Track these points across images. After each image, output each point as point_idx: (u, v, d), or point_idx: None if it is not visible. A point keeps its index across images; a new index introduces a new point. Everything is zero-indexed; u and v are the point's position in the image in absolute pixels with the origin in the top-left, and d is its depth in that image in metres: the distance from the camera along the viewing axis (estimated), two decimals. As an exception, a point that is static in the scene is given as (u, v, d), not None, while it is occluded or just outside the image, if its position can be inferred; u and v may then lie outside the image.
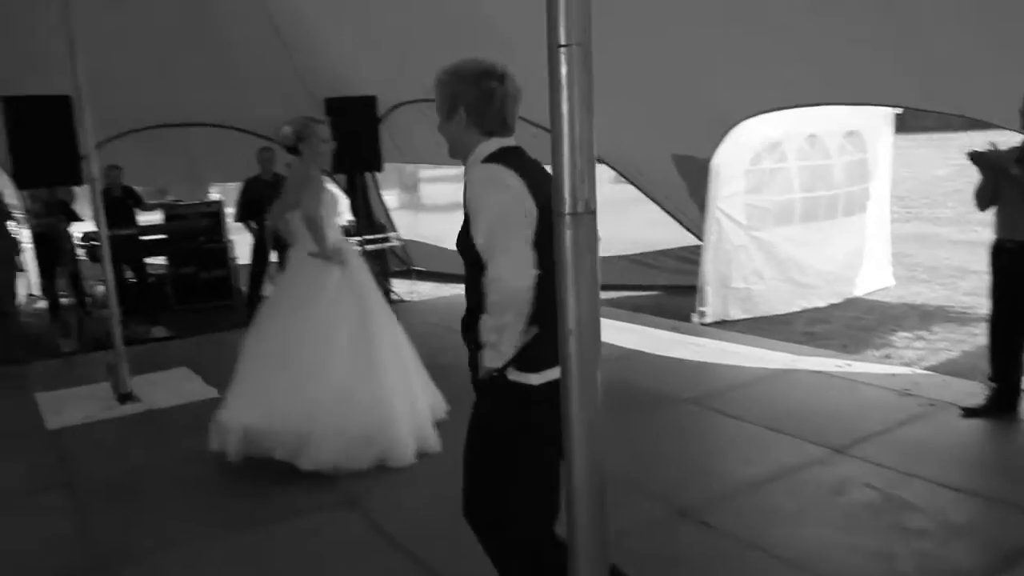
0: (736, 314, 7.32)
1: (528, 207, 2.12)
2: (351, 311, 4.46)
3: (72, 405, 5.76)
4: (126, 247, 8.64)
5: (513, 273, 2.06)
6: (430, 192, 13.76)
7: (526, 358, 2.16)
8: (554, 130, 1.43)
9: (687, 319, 7.17)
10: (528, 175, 2.16)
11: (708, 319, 7.19)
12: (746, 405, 5.01)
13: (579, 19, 1.40)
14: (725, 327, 7.03)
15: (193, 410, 5.50)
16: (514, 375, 2.19)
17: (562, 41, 1.40)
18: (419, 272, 10.94)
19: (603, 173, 8.45)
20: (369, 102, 8.69)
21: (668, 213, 8.20)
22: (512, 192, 2.12)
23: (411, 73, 8.59)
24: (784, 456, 4.28)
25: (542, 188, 2.12)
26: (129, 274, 9.12)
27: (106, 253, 5.88)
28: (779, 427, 4.62)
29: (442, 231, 11.33)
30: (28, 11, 7.42)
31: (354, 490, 4.09)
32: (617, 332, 6.88)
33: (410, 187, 13.67)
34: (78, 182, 7.71)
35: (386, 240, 9.73)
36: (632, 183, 8.23)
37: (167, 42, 8.04)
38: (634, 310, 7.75)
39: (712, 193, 7.04)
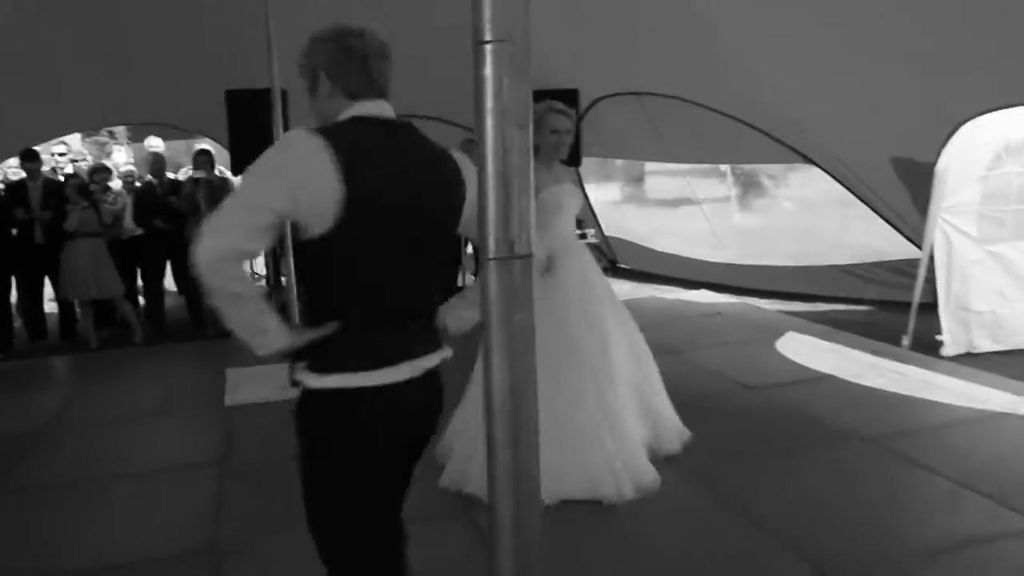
0: (984, 344, 6.10)
1: (300, 183, 1.76)
2: (581, 333, 4.01)
3: (251, 384, 6.07)
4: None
5: (203, 243, 1.71)
6: (656, 186, 13.39)
7: (324, 360, 1.89)
8: (480, 150, 1.13)
9: (897, 341, 6.31)
10: (358, 153, 1.81)
11: (948, 350, 6.03)
12: (938, 452, 4.26)
13: (512, 7, 1.09)
14: (971, 362, 5.89)
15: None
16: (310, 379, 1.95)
17: (487, 36, 1.10)
18: (624, 270, 10.65)
19: (815, 172, 7.72)
20: (571, 96, 8.47)
21: (886, 221, 7.30)
22: (285, 158, 1.81)
23: (614, 67, 8.31)
24: (974, 521, 3.58)
25: (380, 170, 1.83)
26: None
27: (289, 239, 6.14)
28: (974, 484, 3.88)
29: (656, 227, 10.97)
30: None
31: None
32: (812, 352, 6.22)
33: (635, 180, 13.35)
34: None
35: (583, 236, 9.49)
36: (846, 186, 7.41)
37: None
38: (838, 327, 6.97)
39: (936, 201, 6.11)
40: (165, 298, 8.77)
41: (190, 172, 8.70)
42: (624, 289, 9.72)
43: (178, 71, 8.26)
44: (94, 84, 8.02)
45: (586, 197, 10.32)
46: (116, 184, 8.50)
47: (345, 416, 1.88)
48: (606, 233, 10.67)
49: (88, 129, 9.67)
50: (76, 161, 9.78)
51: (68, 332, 8.20)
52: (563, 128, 3.99)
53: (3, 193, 7.96)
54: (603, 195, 11.62)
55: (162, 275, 8.75)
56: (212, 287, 1.74)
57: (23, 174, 7.99)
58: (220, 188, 8.07)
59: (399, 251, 1.88)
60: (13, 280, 7.92)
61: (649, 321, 7.54)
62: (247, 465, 4.54)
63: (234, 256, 1.76)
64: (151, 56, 8.02)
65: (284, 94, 7.57)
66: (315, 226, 1.80)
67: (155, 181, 8.41)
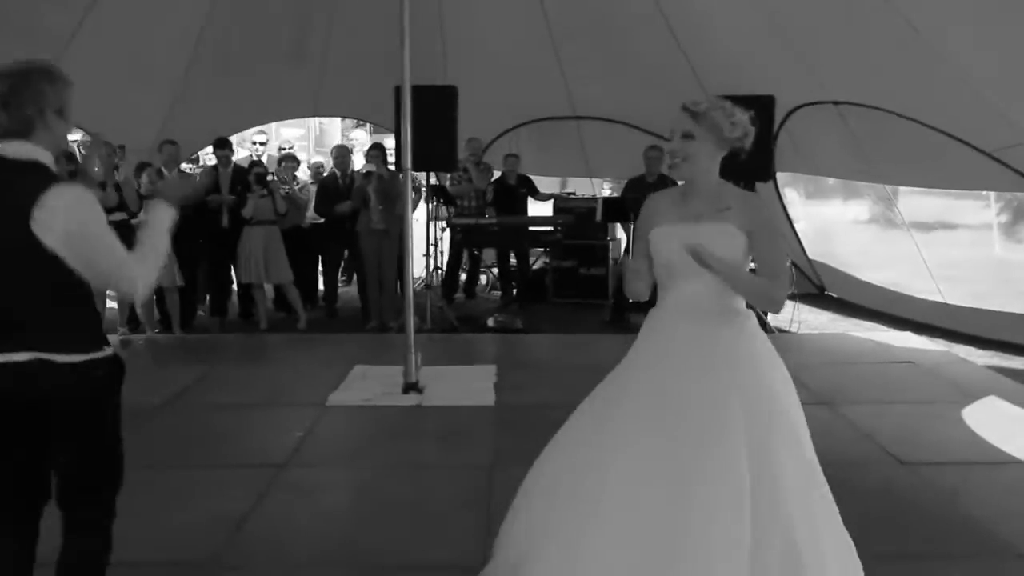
0: None
1: None
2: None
3: (362, 384, 5.94)
4: (512, 235, 8.82)
5: None
6: (914, 206, 11.84)
7: None
8: None
9: None
10: None
11: None
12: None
13: None
14: None
15: (457, 416, 5.29)
16: None
17: None
18: (832, 299, 9.46)
19: None
20: (766, 102, 7.57)
21: None
22: None
23: (818, 73, 7.29)
24: None
25: None
26: (513, 262, 9.37)
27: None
28: None
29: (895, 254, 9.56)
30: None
31: None
32: (1010, 427, 4.98)
33: (885, 200, 11.92)
34: (453, 168, 8.04)
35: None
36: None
37: (558, 33, 7.93)
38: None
39: None
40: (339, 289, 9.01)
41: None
42: (820, 321, 8.60)
43: (365, 67, 8.40)
44: (289, 78, 8.36)
45: (787, 216, 9.25)
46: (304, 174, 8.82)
47: None
48: (811, 257, 9.50)
49: (279, 120, 10.19)
50: (284, 149, 10.32)
51: (246, 312, 8.61)
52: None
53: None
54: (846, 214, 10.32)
55: (338, 265, 8.96)
56: None
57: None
58: (390, 183, 8.08)
59: None
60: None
61: (822, 361, 6.59)
62: (299, 477, 4.33)
63: None
64: (341, 52, 8.23)
65: (455, 91, 7.40)
66: None
67: (338, 173, 8.61)
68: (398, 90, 7.40)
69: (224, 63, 7.65)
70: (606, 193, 10.29)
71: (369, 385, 5.91)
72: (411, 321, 5.81)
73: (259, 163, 8.43)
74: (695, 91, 7.85)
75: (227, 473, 4.36)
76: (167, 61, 7.96)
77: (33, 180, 2.23)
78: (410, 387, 5.76)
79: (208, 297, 8.61)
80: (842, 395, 5.52)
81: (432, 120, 7.31)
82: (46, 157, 2.32)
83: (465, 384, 5.95)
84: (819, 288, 9.69)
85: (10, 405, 2.27)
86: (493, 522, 3.01)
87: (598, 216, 8.29)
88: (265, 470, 4.34)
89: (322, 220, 8.71)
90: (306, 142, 12.20)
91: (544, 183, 10.19)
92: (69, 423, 2.33)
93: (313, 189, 8.70)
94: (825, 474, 2.57)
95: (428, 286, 8.25)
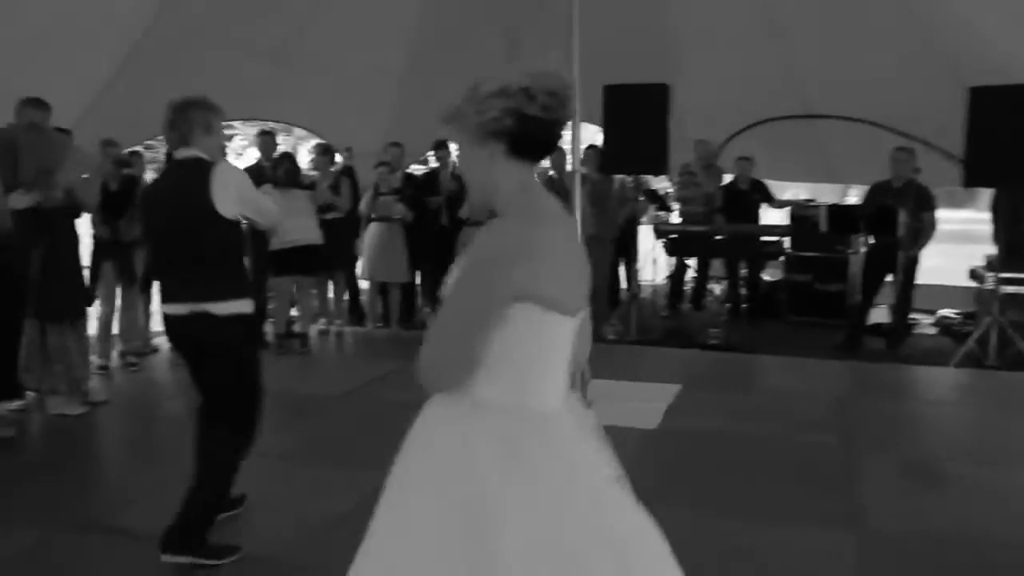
0: None
1: None
2: None
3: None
4: (741, 244, 8.20)
5: None
6: None
7: None
8: None
9: None
10: None
11: None
12: None
13: None
14: None
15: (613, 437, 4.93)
16: None
17: None
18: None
19: None
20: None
21: None
22: None
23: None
24: None
25: None
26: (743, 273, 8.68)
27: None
28: None
29: None
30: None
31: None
32: None
33: None
34: (663, 171, 7.59)
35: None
36: None
37: (788, 23, 7.17)
38: None
39: None
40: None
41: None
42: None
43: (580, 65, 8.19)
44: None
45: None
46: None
47: None
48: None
49: None
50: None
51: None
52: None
53: (421, 180, 8.79)
54: None
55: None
56: None
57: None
58: (600, 186, 7.82)
59: None
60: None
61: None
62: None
63: None
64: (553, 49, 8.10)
65: (666, 89, 7.01)
66: None
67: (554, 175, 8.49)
68: (607, 90, 7.15)
69: (443, 65, 7.83)
70: (851, 200, 9.18)
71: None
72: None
73: (385, 163, 8.55)
74: (946, 83, 6.74)
75: (354, 473, 4.38)
76: (386, 64, 8.33)
77: (200, 168, 3.35)
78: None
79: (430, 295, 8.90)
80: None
81: (638, 120, 6.97)
82: (204, 154, 3.39)
83: (635, 403, 5.55)
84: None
85: (182, 342, 3.45)
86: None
87: (822, 226, 7.39)
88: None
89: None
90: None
91: (782, 189, 9.36)
92: (213, 358, 3.37)
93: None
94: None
95: (636, 295, 7.86)
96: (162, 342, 7.05)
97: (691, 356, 7.07)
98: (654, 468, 4.43)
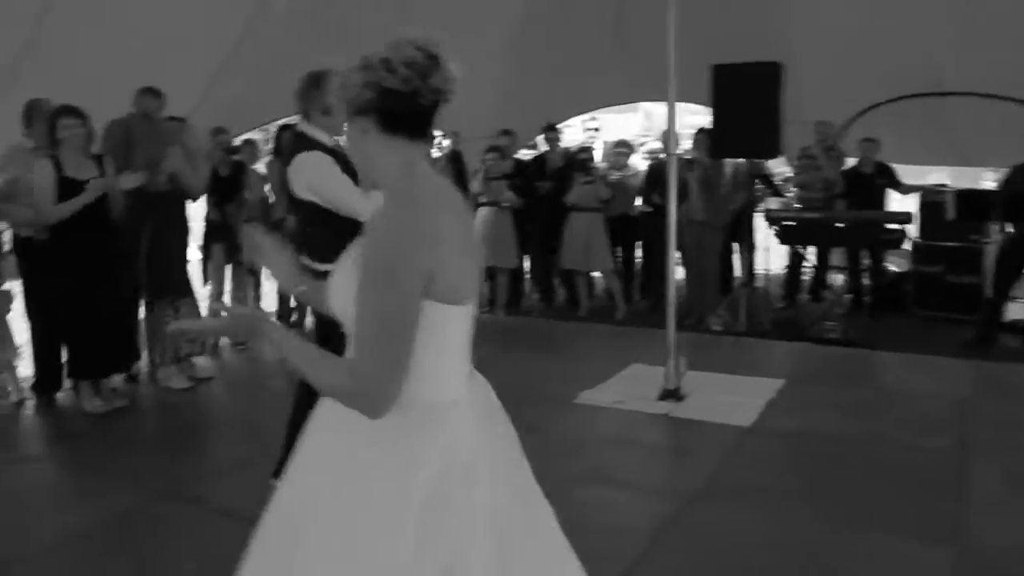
0: None
1: None
2: None
3: (623, 384, 5.59)
4: (862, 232, 7.72)
5: None
6: None
7: None
8: None
9: None
10: None
11: None
12: None
13: None
14: None
15: (697, 433, 4.73)
16: None
17: None
18: None
19: None
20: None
21: None
22: None
23: None
24: None
25: None
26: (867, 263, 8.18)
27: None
28: None
29: None
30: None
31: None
32: None
33: None
34: (775, 154, 7.22)
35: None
36: None
37: None
38: None
39: None
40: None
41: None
42: None
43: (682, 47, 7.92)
44: (612, 61, 8.17)
45: None
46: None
47: None
48: None
49: (607, 106, 9.90)
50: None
51: (572, 298, 8.62)
52: None
53: (529, 164, 8.70)
54: None
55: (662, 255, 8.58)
56: None
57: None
58: (712, 171, 7.51)
59: None
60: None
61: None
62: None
63: None
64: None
65: (778, 68, 6.66)
66: None
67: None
68: (716, 69, 6.86)
69: (548, 52, 7.73)
70: (986, 185, 8.43)
71: (630, 386, 5.55)
72: (672, 320, 5.32)
73: (585, 149, 8.37)
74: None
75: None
76: (494, 50, 8.26)
77: (294, 147, 3.56)
78: (668, 394, 5.28)
79: (536, 286, 8.84)
80: None
81: (749, 101, 6.63)
82: (316, 133, 3.53)
83: (733, 398, 5.29)
84: None
85: None
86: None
87: (949, 213, 6.82)
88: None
89: (650, 208, 8.41)
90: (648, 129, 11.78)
91: (922, 174, 8.74)
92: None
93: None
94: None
95: (746, 284, 7.49)
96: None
97: (802, 350, 6.69)
98: (741, 468, 4.21)
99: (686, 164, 7.70)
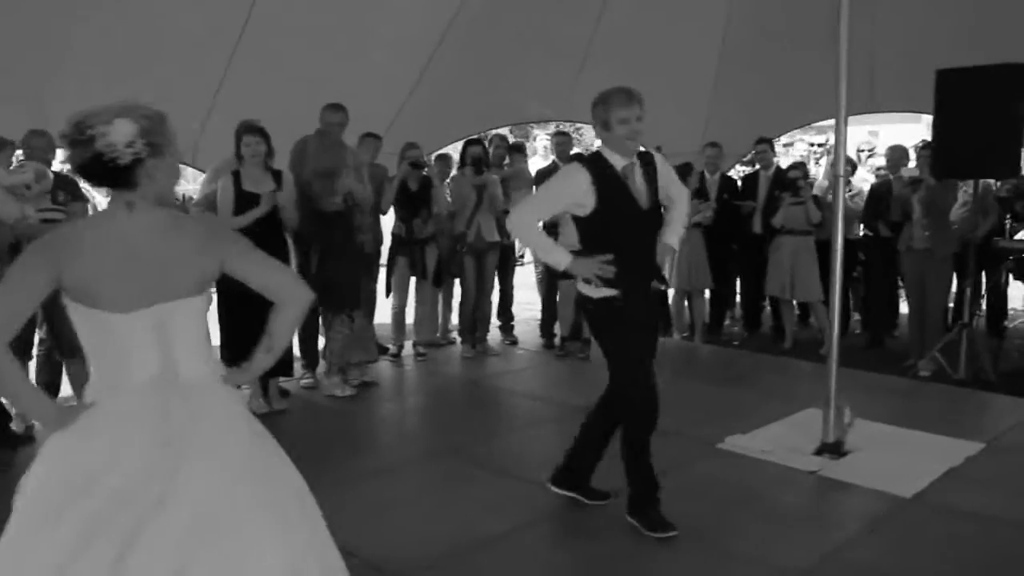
0: None
1: None
2: None
3: (783, 431, 5.00)
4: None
5: None
6: None
7: None
8: None
9: None
10: None
11: None
12: None
13: None
14: None
15: (842, 499, 4.08)
16: None
17: None
18: None
19: None
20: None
21: None
22: None
23: None
24: None
25: None
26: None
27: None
28: None
29: None
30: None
31: None
32: None
33: None
34: (1015, 173, 6.10)
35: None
36: None
37: None
38: None
39: None
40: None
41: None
42: None
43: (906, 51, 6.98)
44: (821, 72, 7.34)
45: None
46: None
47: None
48: None
49: (814, 121, 8.74)
50: (873, 153, 9.11)
51: (778, 327, 7.89)
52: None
53: (737, 183, 8.08)
54: None
55: (882, 285, 7.58)
56: None
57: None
58: (939, 192, 6.52)
59: None
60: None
61: None
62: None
63: None
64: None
65: (1021, 70, 5.68)
66: None
67: (891, 177, 7.27)
68: (941, 75, 5.97)
69: (754, 60, 7.13)
70: None
71: (790, 433, 4.93)
72: (834, 360, 4.62)
73: (797, 166, 7.60)
74: None
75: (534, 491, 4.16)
76: (699, 62, 7.79)
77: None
78: (827, 448, 4.61)
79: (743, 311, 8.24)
80: None
81: (978, 112, 5.66)
82: (603, 149, 3.57)
83: (906, 459, 4.50)
84: None
85: None
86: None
87: None
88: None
89: (870, 233, 7.50)
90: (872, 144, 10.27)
91: None
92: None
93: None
94: None
95: (966, 324, 6.37)
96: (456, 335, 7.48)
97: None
98: (871, 548, 3.54)
99: (909, 184, 6.76)
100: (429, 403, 6.15)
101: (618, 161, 3.48)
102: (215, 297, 5.73)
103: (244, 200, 5.39)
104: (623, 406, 3.65)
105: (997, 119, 5.67)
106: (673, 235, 3.73)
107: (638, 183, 3.52)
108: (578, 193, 3.46)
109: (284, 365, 5.80)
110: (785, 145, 11.68)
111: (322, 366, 6.09)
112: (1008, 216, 7.17)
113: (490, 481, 4.35)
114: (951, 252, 6.49)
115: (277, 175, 5.56)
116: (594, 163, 3.52)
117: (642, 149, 3.58)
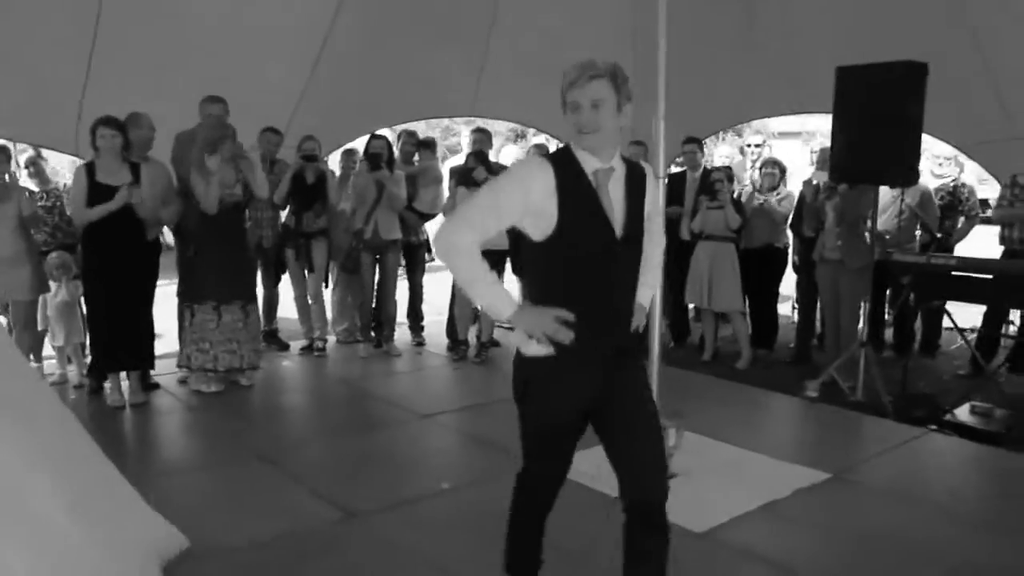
0: None
1: None
2: None
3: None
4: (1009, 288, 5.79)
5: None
6: None
7: None
8: None
9: None
10: None
11: None
12: None
13: None
14: None
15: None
16: None
17: None
18: None
19: None
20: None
21: None
22: None
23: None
24: None
25: None
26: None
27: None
28: None
29: None
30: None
31: None
32: None
33: None
34: (910, 181, 5.67)
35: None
36: None
37: None
38: None
39: None
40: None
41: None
42: None
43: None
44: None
45: None
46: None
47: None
48: None
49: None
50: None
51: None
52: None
53: (666, 184, 7.66)
54: None
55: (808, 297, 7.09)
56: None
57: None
58: (851, 200, 6.08)
59: None
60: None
61: None
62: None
63: None
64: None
65: (923, 71, 5.26)
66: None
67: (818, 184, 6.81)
68: (841, 72, 5.56)
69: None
70: None
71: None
72: (655, 370, 4.22)
73: (718, 169, 7.17)
74: None
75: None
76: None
77: None
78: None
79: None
80: None
81: (878, 112, 5.24)
82: (580, 155, 2.47)
83: (727, 487, 4.14)
84: None
85: None
86: None
87: None
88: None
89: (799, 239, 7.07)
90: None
91: None
92: None
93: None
94: None
95: (864, 343, 5.87)
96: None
97: (909, 438, 5.08)
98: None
99: (827, 190, 6.34)
100: (281, 403, 5.92)
101: (590, 163, 2.45)
102: (82, 287, 5.72)
103: (98, 192, 5.30)
104: (517, 477, 2.84)
105: (895, 121, 5.23)
106: (644, 288, 2.73)
107: (614, 198, 2.47)
108: (537, 198, 2.40)
109: (146, 358, 5.74)
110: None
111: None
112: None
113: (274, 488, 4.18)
114: (867, 263, 6.02)
115: (135, 168, 5.46)
116: (561, 161, 2.47)
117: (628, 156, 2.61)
